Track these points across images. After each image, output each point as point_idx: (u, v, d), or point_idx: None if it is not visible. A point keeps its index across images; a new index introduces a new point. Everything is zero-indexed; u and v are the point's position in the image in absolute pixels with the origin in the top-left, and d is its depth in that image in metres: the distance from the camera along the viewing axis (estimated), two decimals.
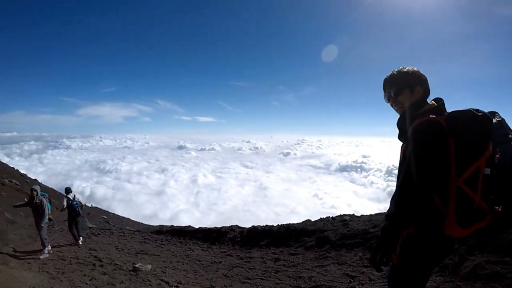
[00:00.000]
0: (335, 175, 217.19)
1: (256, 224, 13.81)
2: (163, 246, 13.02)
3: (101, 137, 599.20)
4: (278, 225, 12.99)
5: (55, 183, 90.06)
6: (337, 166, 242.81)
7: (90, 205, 43.03)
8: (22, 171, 52.02)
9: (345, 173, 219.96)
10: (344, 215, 13.23)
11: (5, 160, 70.94)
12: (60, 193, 48.62)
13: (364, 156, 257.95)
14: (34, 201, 11.62)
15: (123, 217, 37.71)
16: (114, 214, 38.12)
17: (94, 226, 21.99)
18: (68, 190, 14.03)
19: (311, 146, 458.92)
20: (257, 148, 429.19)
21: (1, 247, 11.67)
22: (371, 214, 12.43)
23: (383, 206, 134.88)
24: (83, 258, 10.91)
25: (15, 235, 14.08)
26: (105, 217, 31.03)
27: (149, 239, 14.26)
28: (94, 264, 9.94)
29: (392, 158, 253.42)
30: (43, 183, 49.83)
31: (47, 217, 11.75)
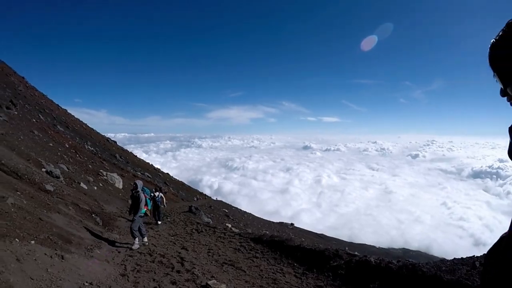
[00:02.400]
0: (467, 182, 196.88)
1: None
2: (255, 259, 10.74)
3: (229, 138, 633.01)
4: (398, 261, 8.67)
5: (186, 177, 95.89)
6: (470, 172, 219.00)
7: (214, 199, 44.12)
8: (156, 166, 55.94)
9: (478, 180, 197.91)
10: None
11: (143, 156, 77.15)
12: (188, 186, 51.36)
13: (501, 161, 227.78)
14: (132, 194, 11.52)
15: (244, 211, 37.40)
16: (236, 208, 38.00)
17: (210, 221, 21.57)
18: (156, 189, 17.39)
19: (442, 147, 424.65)
20: (383, 149, 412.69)
21: (104, 232, 11.68)
22: None
23: None
24: (169, 257, 9.90)
25: (126, 222, 14.06)
26: (226, 210, 30.81)
27: (245, 247, 12.51)
28: (172, 268, 8.88)
29: None
30: (174, 177, 53.02)
31: (142, 211, 11.32)
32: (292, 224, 36.05)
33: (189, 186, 51.80)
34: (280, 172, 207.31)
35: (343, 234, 71.54)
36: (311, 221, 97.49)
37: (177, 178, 54.39)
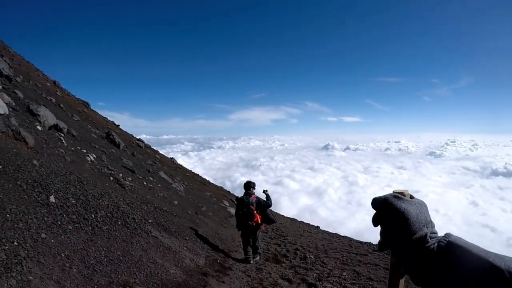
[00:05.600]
0: (493, 180, 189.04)
1: None
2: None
3: (250, 138, 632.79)
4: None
5: (213, 178, 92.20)
6: (495, 170, 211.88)
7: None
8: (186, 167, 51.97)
9: (503, 179, 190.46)
10: None
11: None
12: (220, 187, 47.17)
13: None
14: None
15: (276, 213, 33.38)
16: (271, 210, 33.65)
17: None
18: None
19: (464, 146, 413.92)
20: (405, 148, 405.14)
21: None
22: None
23: None
24: None
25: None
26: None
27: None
28: None
29: None
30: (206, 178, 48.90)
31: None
32: (317, 226, 31.61)
33: (220, 187, 47.51)
34: (303, 171, 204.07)
35: (371, 238, 67.29)
36: (341, 223, 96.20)
37: (205, 177, 50.18)
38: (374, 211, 1.60)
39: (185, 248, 7.27)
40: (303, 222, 28.80)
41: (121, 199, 7.61)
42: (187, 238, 8.12)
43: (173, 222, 8.61)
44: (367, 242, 16.37)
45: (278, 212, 35.21)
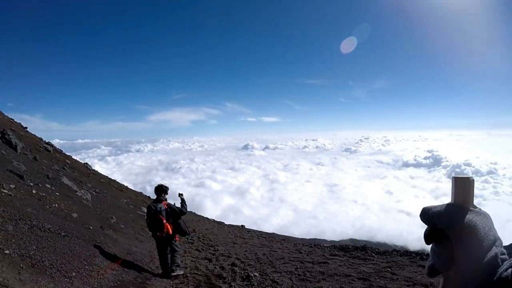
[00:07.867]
0: (404, 171, 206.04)
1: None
2: None
3: (169, 141, 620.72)
4: None
5: (133, 183, 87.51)
6: (405, 162, 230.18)
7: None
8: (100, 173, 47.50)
9: (413, 169, 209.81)
10: None
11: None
12: (132, 190, 43.61)
13: (430, 151, 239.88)
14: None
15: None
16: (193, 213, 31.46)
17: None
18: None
19: (377, 142, 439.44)
20: (323, 145, 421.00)
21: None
22: None
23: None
24: None
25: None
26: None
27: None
28: None
29: (461, 152, 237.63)
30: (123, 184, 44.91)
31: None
32: (243, 226, 30.07)
33: (140, 192, 43.89)
34: (228, 172, 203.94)
35: (296, 231, 68.31)
36: (266, 220, 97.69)
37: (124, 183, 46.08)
38: (426, 225, 1.28)
39: None
40: (232, 225, 26.39)
41: None
42: (74, 274, 5.19)
43: (55, 248, 5.67)
44: (317, 244, 14.26)
45: (202, 214, 32.88)
